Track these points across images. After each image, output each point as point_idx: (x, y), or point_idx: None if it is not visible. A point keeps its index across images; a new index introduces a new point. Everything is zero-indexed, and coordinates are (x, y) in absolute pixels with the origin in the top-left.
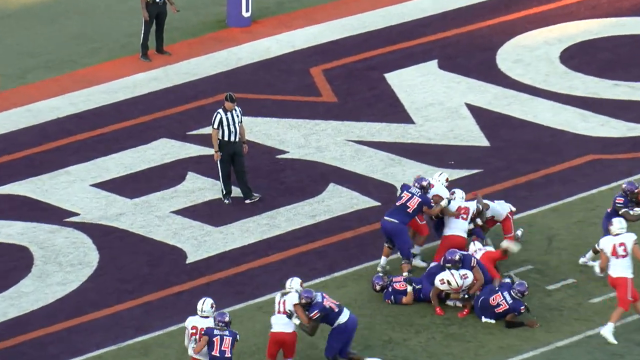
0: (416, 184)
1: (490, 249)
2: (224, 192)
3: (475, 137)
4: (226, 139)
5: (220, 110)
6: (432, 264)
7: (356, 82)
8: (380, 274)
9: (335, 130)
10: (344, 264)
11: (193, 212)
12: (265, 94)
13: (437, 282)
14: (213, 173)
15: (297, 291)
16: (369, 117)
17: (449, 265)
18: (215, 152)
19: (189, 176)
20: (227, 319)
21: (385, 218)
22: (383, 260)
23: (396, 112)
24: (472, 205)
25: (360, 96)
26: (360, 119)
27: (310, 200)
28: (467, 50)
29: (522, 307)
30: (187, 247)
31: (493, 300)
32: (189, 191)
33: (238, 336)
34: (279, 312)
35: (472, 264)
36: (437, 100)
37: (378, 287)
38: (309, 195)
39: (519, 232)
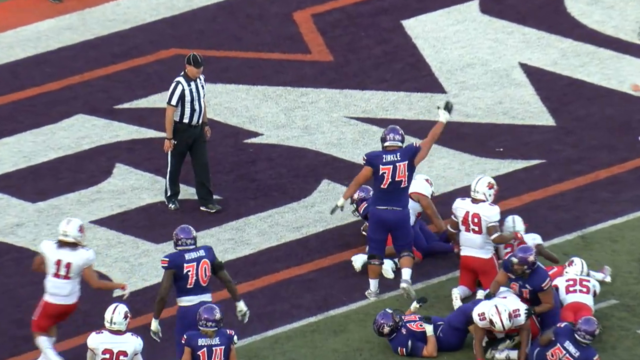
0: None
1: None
2: (169, 194)
3: (534, 112)
4: (186, 120)
5: (181, 79)
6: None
7: (360, 33)
8: (389, 312)
9: (331, 102)
10: (342, 299)
11: (123, 222)
12: (229, 49)
13: (475, 316)
14: (152, 165)
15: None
16: (379, 83)
17: (515, 268)
18: (168, 139)
19: (117, 170)
20: (217, 315)
21: (382, 207)
22: (373, 284)
23: (419, 77)
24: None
25: (366, 53)
26: (366, 87)
27: (294, 205)
28: None
29: (595, 358)
30: (114, 274)
31: (552, 356)
32: (118, 191)
33: (236, 338)
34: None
35: (544, 284)
36: (478, 60)
37: (387, 330)
38: (292, 198)
39: (607, 275)
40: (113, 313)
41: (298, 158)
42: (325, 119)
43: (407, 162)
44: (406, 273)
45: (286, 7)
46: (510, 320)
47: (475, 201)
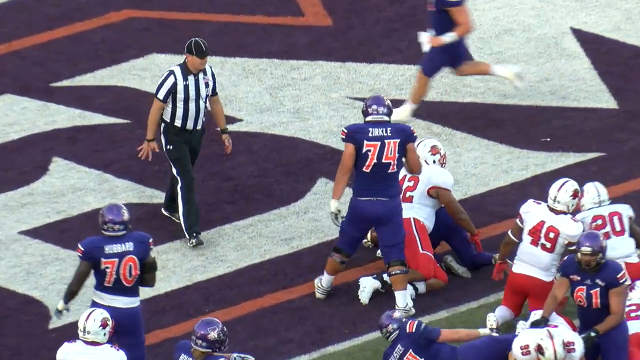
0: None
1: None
2: (187, 224)
3: (590, 92)
4: (177, 123)
5: (177, 70)
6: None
7: None
8: (398, 315)
9: (330, 79)
10: (343, 331)
11: (63, 233)
12: (199, 11)
13: (516, 349)
14: (100, 160)
15: None
16: (391, 54)
17: (584, 261)
18: (147, 140)
19: (54, 165)
20: (215, 334)
21: (365, 198)
22: (326, 280)
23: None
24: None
25: (374, 15)
26: (375, 59)
27: (282, 211)
28: None
29: None
30: (50, 299)
31: None
32: (56, 193)
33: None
34: None
35: (619, 274)
36: (519, 24)
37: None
38: (280, 202)
39: None
40: (87, 320)
41: (287, 150)
42: (322, 101)
43: (399, 140)
44: (401, 298)
45: None
46: (563, 350)
47: (554, 211)
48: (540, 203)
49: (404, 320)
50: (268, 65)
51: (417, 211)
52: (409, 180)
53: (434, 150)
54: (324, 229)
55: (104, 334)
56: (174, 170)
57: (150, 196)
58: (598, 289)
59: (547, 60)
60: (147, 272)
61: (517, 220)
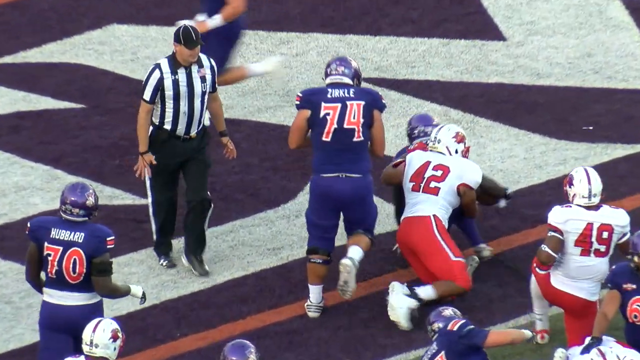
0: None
1: None
2: (156, 242)
3: None
4: (167, 126)
5: (163, 63)
6: None
7: None
8: (449, 313)
9: (327, 54)
10: (343, 359)
11: (4, 241)
12: None
13: None
14: (49, 153)
15: None
16: (400, 25)
17: None
18: (141, 153)
19: None
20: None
21: (328, 175)
22: (314, 293)
23: (463, 15)
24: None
25: None
26: (381, 31)
27: (270, 215)
28: None
29: None
30: None
31: None
32: None
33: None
34: None
35: None
36: None
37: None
38: (267, 203)
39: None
40: (94, 331)
41: (275, 141)
42: (317, 81)
43: (363, 103)
44: (355, 251)
45: None
46: None
47: (591, 208)
48: (569, 206)
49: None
50: (252, 39)
51: (441, 209)
52: (435, 169)
53: (459, 137)
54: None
55: (114, 349)
56: (147, 187)
57: (109, 196)
58: None
59: (590, 32)
60: (94, 274)
61: (552, 233)
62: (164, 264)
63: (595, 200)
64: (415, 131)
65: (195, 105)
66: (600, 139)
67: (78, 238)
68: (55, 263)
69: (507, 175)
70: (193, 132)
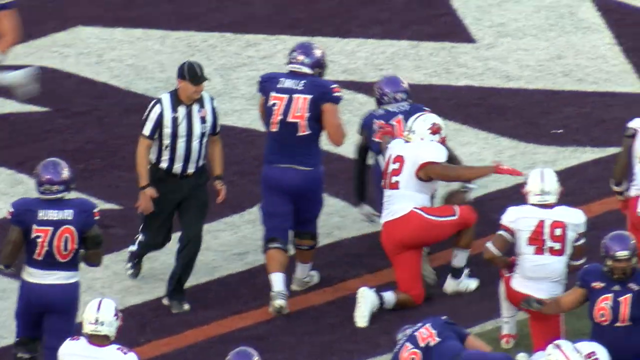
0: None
1: None
2: (132, 251)
3: (613, 72)
4: (163, 165)
5: (165, 99)
6: None
7: None
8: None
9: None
10: None
11: None
12: None
13: None
14: (14, 157)
15: None
16: (369, 27)
17: (618, 267)
18: (141, 188)
19: None
20: None
21: (278, 165)
22: (277, 281)
23: (432, 17)
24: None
25: None
26: (349, 32)
27: (235, 218)
28: None
29: None
30: None
31: None
32: None
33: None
34: None
35: None
36: None
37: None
38: (232, 208)
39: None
40: (98, 310)
41: (242, 145)
42: None
43: (310, 97)
44: (302, 269)
45: None
46: (582, 357)
47: (545, 206)
48: (523, 206)
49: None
50: (219, 41)
51: (410, 201)
52: (395, 162)
53: (434, 128)
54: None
55: (116, 328)
56: (143, 222)
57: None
58: (630, 294)
59: (560, 34)
60: (90, 247)
61: (502, 232)
62: (129, 272)
63: (549, 198)
64: (385, 97)
65: (193, 146)
66: (570, 142)
67: (68, 215)
68: (46, 244)
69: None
70: (190, 170)
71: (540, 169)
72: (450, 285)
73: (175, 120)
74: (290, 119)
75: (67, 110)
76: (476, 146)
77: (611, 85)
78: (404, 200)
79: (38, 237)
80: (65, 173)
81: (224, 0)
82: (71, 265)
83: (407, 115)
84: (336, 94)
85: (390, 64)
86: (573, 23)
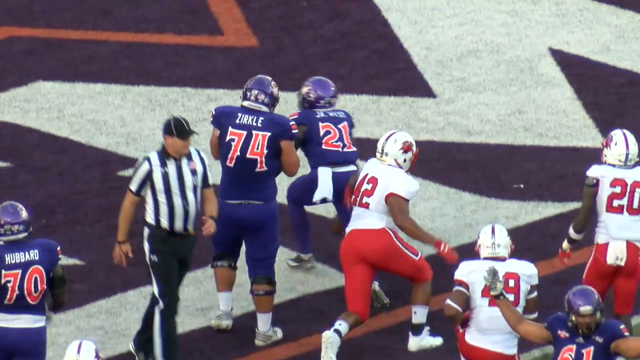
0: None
1: None
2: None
3: (573, 127)
4: (164, 224)
5: (153, 156)
6: None
7: (300, 2)
8: None
9: None
10: None
11: None
12: (94, 29)
13: None
14: None
15: None
16: (330, 80)
17: (581, 322)
18: (119, 242)
19: None
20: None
21: (233, 201)
22: (224, 300)
23: (393, 72)
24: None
25: (310, 34)
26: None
27: (199, 274)
28: None
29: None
30: None
31: None
32: None
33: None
34: None
35: (622, 326)
36: (486, 44)
37: None
38: (196, 262)
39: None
40: (78, 352)
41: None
42: None
43: (269, 134)
44: (264, 321)
45: None
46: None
47: (497, 259)
48: (473, 261)
49: None
50: (180, 96)
51: (381, 220)
52: (368, 182)
53: (405, 146)
54: (248, 296)
55: None
56: (155, 288)
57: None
58: (592, 347)
59: (521, 88)
60: (57, 286)
61: (457, 286)
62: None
63: (500, 251)
64: (322, 101)
65: (189, 199)
66: (532, 197)
67: (34, 256)
68: (16, 288)
69: (437, 234)
70: (191, 228)
71: (492, 224)
72: (413, 342)
73: (165, 176)
74: (248, 156)
75: (29, 165)
76: (438, 201)
77: (572, 140)
78: (375, 218)
79: (8, 282)
80: (24, 214)
81: (185, 55)
82: (39, 308)
83: (348, 121)
84: (294, 132)
85: (353, 120)
86: (533, 77)
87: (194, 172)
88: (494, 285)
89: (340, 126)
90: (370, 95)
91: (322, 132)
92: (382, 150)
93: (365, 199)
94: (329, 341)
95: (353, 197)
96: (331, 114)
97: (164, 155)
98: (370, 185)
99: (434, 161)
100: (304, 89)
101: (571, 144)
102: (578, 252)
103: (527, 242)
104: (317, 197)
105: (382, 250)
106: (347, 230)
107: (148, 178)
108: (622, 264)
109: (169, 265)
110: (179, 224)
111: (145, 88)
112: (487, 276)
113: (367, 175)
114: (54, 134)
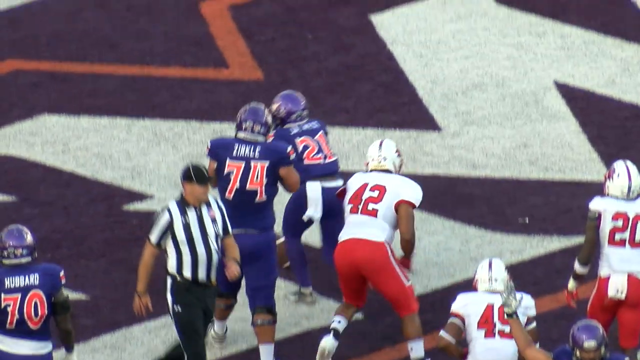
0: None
1: None
2: None
3: (579, 161)
4: (187, 274)
5: (172, 205)
6: None
7: (306, 35)
8: None
9: None
10: None
11: None
12: (99, 62)
13: None
14: None
15: None
16: (335, 115)
17: (587, 357)
18: (138, 293)
19: None
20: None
21: (234, 231)
22: (218, 325)
23: (397, 105)
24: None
25: (314, 67)
26: (313, 119)
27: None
28: None
29: None
30: None
31: None
32: None
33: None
34: None
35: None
36: (491, 77)
37: None
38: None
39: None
40: None
41: None
42: None
43: (268, 163)
44: (266, 353)
45: None
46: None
47: (494, 292)
48: (469, 293)
49: None
50: (185, 129)
51: (384, 232)
52: (372, 190)
53: (397, 150)
54: (247, 334)
55: None
56: (180, 340)
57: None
58: None
59: (526, 121)
60: (59, 312)
61: (452, 318)
62: None
63: (497, 285)
64: (293, 115)
65: (211, 248)
66: (537, 231)
67: (34, 280)
68: (16, 312)
69: (442, 268)
70: (213, 278)
71: (489, 258)
72: None
73: (187, 226)
74: (248, 187)
75: (34, 199)
76: (443, 235)
77: (577, 174)
78: (378, 229)
79: (8, 305)
80: (29, 238)
81: (190, 88)
82: (43, 334)
83: (323, 129)
84: (291, 157)
85: (356, 153)
86: (538, 111)
87: (214, 220)
88: (509, 302)
89: (317, 138)
90: (375, 129)
91: (300, 148)
92: (380, 155)
93: (371, 206)
94: (326, 352)
95: (351, 205)
96: (305, 127)
97: (183, 203)
98: (377, 192)
99: (439, 195)
100: (274, 106)
101: (576, 178)
102: (583, 287)
103: (532, 276)
104: (307, 215)
105: (376, 264)
106: (344, 236)
107: (169, 229)
108: (623, 297)
109: (194, 315)
110: (202, 274)
111: (151, 121)
112: (503, 292)
113: (367, 184)
114: (59, 167)
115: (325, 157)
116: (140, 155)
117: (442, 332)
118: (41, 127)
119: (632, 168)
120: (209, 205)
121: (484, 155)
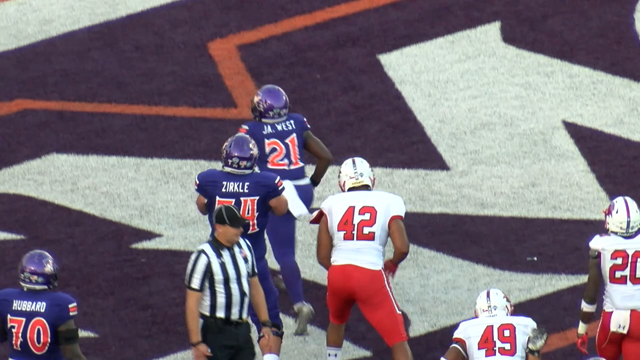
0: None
1: None
2: None
3: (587, 200)
4: (220, 314)
5: (207, 247)
6: None
7: (314, 75)
8: None
9: None
10: None
11: None
12: (108, 101)
13: None
14: None
15: None
16: (343, 154)
17: None
18: (194, 344)
19: None
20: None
21: None
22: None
23: (406, 144)
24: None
25: (323, 107)
26: None
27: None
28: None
29: None
30: None
31: None
32: None
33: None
34: None
35: None
36: (500, 117)
37: None
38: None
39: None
40: None
41: None
42: None
43: (257, 198)
44: None
45: (198, 35)
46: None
47: (497, 315)
48: (471, 319)
49: None
50: (193, 168)
51: (379, 256)
52: (362, 213)
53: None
54: None
55: None
56: None
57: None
58: None
59: (534, 161)
60: (62, 343)
61: (454, 344)
62: None
63: (498, 313)
64: (271, 112)
65: (244, 287)
66: (545, 269)
67: (40, 308)
68: (20, 334)
69: (450, 306)
70: (244, 315)
71: (488, 289)
72: None
73: (223, 266)
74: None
75: (42, 237)
76: (451, 273)
77: (585, 213)
78: (375, 256)
79: (12, 327)
80: (49, 267)
81: (198, 128)
82: (49, 358)
83: (297, 131)
84: (280, 187)
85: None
86: (547, 150)
87: (245, 260)
88: (536, 340)
89: (287, 140)
90: (383, 168)
91: (267, 150)
92: (356, 172)
93: (367, 230)
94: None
95: (344, 232)
96: (279, 128)
97: (217, 245)
98: (368, 214)
99: (448, 233)
100: (256, 98)
101: (584, 217)
102: (590, 325)
103: (540, 314)
104: (296, 215)
105: (372, 291)
106: (340, 261)
107: (208, 270)
108: (625, 332)
109: (222, 357)
110: (235, 313)
111: (159, 160)
112: (533, 331)
113: (353, 207)
114: (67, 206)
115: (290, 164)
116: (149, 194)
117: (442, 359)
118: (50, 166)
119: (632, 204)
120: (239, 245)
121: (492, 194)
